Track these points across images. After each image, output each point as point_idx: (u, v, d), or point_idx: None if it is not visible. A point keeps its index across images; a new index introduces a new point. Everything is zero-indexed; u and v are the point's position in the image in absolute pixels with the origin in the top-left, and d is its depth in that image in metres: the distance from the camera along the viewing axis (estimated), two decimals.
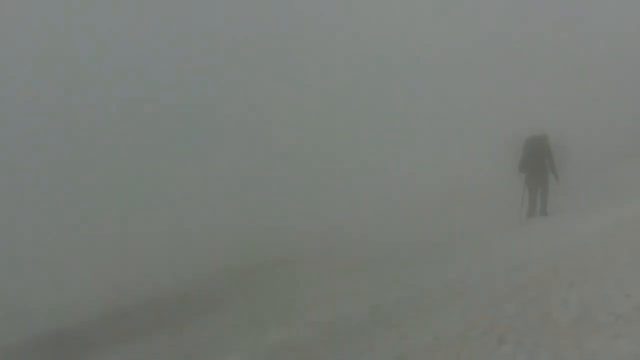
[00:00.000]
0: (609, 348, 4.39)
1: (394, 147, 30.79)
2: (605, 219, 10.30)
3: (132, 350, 12.36)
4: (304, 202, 27.25)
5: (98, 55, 31.24)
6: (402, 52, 34.10)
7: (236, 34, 34.27)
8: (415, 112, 32.09)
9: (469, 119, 30.15)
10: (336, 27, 34.94)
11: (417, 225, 18.98)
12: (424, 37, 35.17)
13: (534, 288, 6.76)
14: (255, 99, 32.18)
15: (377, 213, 24.15)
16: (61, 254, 21.99)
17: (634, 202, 11.63)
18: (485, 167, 20.28)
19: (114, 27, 31.76)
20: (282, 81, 32.39)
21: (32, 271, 20.45)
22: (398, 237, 17.21)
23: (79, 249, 22.98)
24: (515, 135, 14.38)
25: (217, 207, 28.27)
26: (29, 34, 31.17)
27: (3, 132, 25.85)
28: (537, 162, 13.90)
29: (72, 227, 24.12)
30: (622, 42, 34.43)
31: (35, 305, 17.72)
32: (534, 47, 35.73)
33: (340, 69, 32.82)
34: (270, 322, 10.30)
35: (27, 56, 30.69)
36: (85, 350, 13.19)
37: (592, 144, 27.70)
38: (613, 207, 11.71)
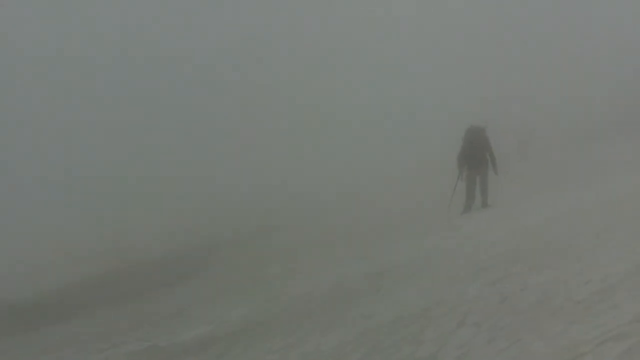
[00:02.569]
0: (565, 332, 4.45)
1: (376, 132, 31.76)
2: (567, 204, 10.43)
3: (97, 316, 12.29)
4: (283, 178, 27.99)
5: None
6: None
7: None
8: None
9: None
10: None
11: (390, 204, 19.18)
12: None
13: (495, 270, 6.83)
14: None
15: (351, 193, 24.47)
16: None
17: (595, 187, 11.82)
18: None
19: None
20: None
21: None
22: (371, 214, 17.32)
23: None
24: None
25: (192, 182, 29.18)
26: (34, 34, 31.81)
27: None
28: (477, 153, 13.27)
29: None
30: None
31: None
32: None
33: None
34: (235, 296, 10.31)
35: (31, 55, 31.51)
36: (46, 319, 13.08)
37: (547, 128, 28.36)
38: (573, 192, 11.90)
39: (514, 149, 26.19)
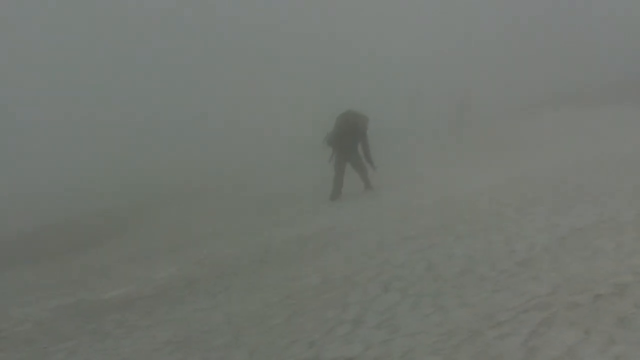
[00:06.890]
0: (487, 300, 4.55)
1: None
2: (494, 177, 10.64)
3: (22, 272, 11.93)
4: (216, 144, 28.22)
5: None
6: None
7: None
8: None
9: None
10: None
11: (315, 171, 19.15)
12: None
13: (421, 238, 6.93)
14: None
15: (277, 160, 24.50)
16: None
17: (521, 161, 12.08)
18: None
19: None
20: None
21: None
22: (298, 181, 17.28)
23: None
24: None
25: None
26: (36, 15, 31.93)
27: None
28: (349, 140, 12.13)
29: None
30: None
31: None
32: None
33: None
34: (161, 256, 10.16)
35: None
36: None
37: None
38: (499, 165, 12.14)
39: (451, 115, 24.39)
